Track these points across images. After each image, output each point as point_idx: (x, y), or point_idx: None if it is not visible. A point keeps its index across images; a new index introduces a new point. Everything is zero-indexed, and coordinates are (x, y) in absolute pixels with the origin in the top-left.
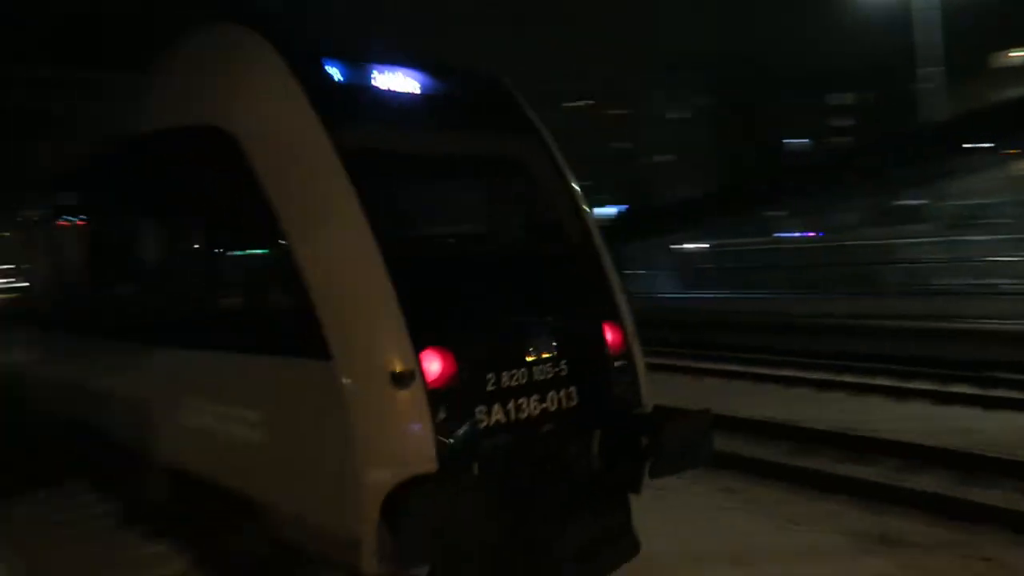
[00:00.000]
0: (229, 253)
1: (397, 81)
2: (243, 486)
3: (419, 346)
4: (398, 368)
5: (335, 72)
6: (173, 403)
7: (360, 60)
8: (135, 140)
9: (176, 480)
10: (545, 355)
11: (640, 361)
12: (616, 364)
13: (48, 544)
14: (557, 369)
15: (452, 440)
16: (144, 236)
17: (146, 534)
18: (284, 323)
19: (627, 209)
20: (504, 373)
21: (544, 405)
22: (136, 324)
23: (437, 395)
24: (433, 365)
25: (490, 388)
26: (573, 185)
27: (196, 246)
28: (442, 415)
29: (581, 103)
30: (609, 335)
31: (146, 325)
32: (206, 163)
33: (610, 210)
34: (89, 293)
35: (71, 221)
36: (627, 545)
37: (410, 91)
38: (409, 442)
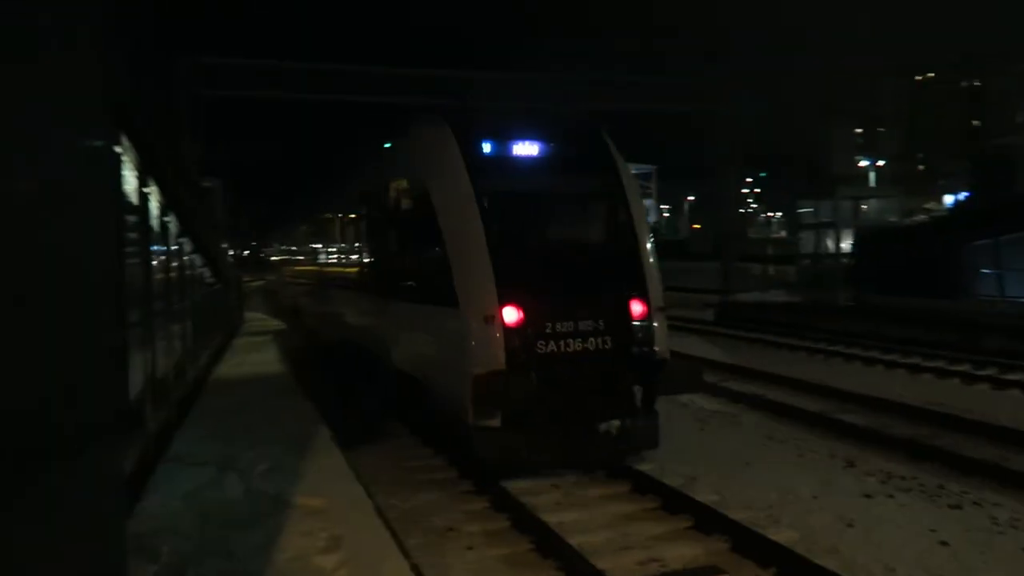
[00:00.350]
0: (424, 252)
1: (521, 147)
2: (425, 377)
3: (501, 303)
4: (487, 314)
5: (484, 146)
6: (394, 335)
7: (500, 135)
8: (383, 184)
9: (399, 376)
10: (588, 315)
11: (661, 325)
12: (640, 325)
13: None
14: (596, 325)
15: (517, 353)
16: (385, 239)
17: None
18: (442, 290)
19: (968, 198)
20: (558, 323)
21: (586, 345)
22: (380, 289)
23: (509, 331)
24: (508, 314)
25: (547, 331)
26: (632, 207)
27: (410, 246)
28: (512, 342)
29: (931, 75)
30: (637, 307)
31: (385, 290)
32: (415, 201)
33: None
34: (356, 271)
35: (348, 227)
36: (649, 439)
37: (528, 152)
38: (490, 351)
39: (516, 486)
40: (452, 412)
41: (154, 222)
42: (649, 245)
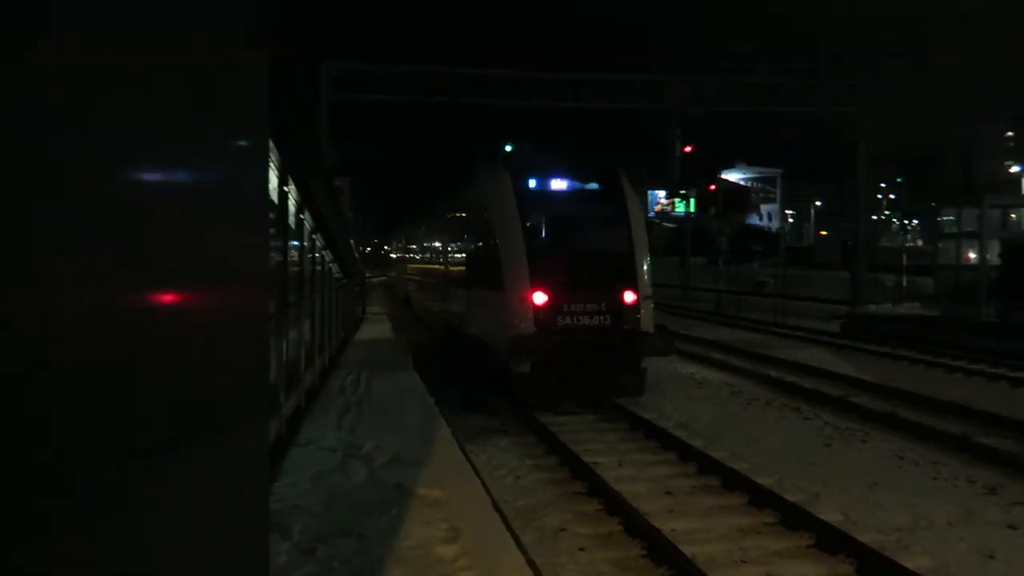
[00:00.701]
0: (486, 255)
1: (556, 182)
2: (483, 336)
3: (532, 289)
4: (521, 296)
5: (529, 181)
6: (466, 309)
7: (542, 175)
8: (462, 208)
9: (467, 340)
10: (594, 301)
11: (647, 309)
12: (631, 308)
13: None
14: (600, 307)
15: (542, 323)
16: (463, 246)
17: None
18: (495, 279)
19: None
20: (574, 304)
21: (592, 321)
22: (460, 280)
23: (537, 308)
24: (537, 297)
25: (564, 310)
26: (633, 227)
27: (475, 251)
28: (540, 315)
29: None
30: (629, 296)
31: (463, 281)
32: (481, 222)
33: None
34: (445, 268)
35: (439, 237)
36: (636, 389)
37: (561, 186)
38: (524, 320)
39: (627, 489)
40: (502, 362)
41: (291, 219)
42: (645, 254)
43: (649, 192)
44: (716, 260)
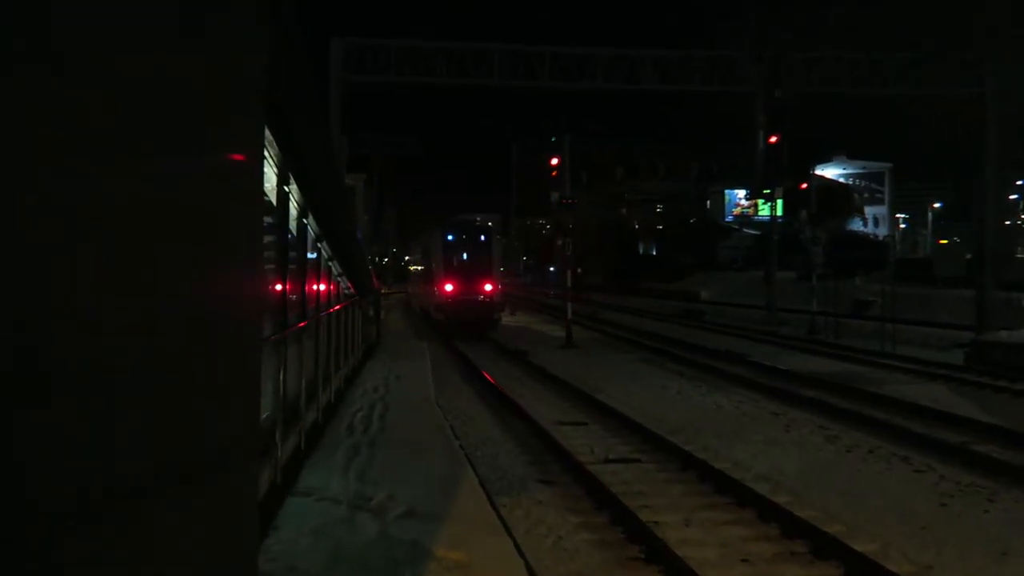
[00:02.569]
0: (430, 269)
1: (460, 236)
2: (429, 306)
3: (446, 283)
4: (441, 286)
5: (449, 235)
6: (425, 294)
7: (455, 231)
8: (422, 246)
9: (426, 309)
10: (474, 289)
11: (501, 293)
12: (489, 293)
13: None
14: (475, 291)
15: (448, 297)
16: (425, 266)
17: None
18: (432, 279)
19: None
20: (463, 290)
21: (472, 298)
22: (427, 281)
23: (447, 292)
24: (448, 287)
25: (460, 293)
26: (493, 253)
27: (427, 268)
28: (448, 295)
29: None
30: (488, 287)
31: (427, 281)
32: (429, 253)
33: None
34: (422, 278)
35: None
36: (493, 328)
37: (463, 237)
38: (442, 297)
39: (694, 555)
40: (434, 317)
41: (292, 224)
42: (499, 267)
43: (725, 192)
44: (809, 275)
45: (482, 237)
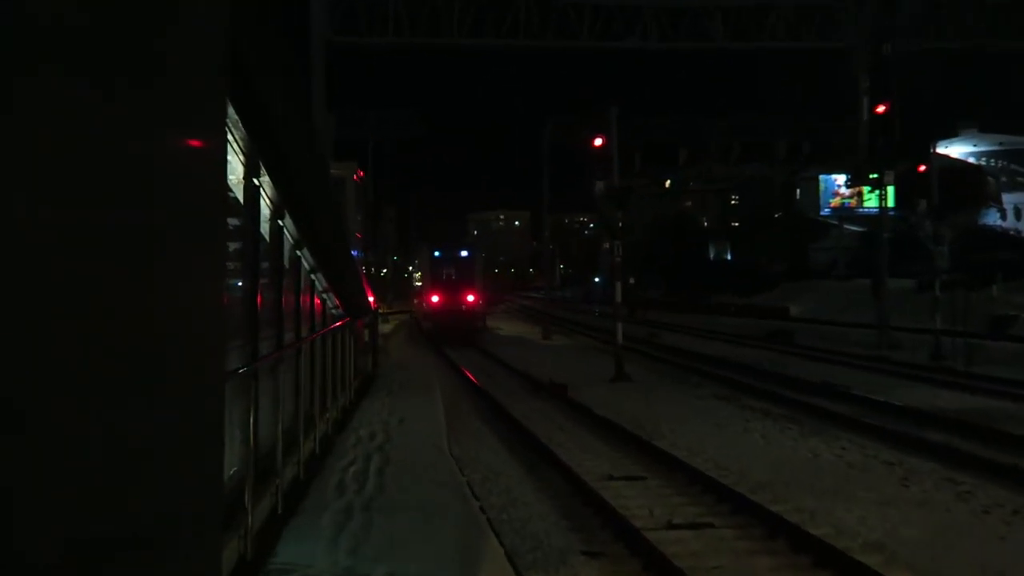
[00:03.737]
0: (421, 283)
1: (447, 253)
2: (420, 315)
3: (432, 294)
4: (429, 297)
5: (436, 253)
6: (417, 304)
7: (443, 250)
8: (419, 264)
9: (418, 317)
10: (458, 300)
11: (482, 304)
12: (473, 304)
13: None
14: (459, 302)
15: (435, 308)
16: (417, 279)
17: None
18: (422, 291)
19: None
20: (449, 301)
21: (456, 308)
22: (417, 294)
23: (435, 302)
24: (434, 298)
25: (446, 304)
26: (476, 269)
27: (419, 282)
28: (434, 306)
29: None
30: (471, 297)
31: (417, 294)
32: (421, 268)
33: None
34: (418, 291)
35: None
36: (481, 338)
37: (450, 255)
38: (429, 307)
39: None
40: (424, 325)
41: (264, 227)
42: (481, 281)
43: (820, 178)
44: (931, 283)
45: (466, 254)
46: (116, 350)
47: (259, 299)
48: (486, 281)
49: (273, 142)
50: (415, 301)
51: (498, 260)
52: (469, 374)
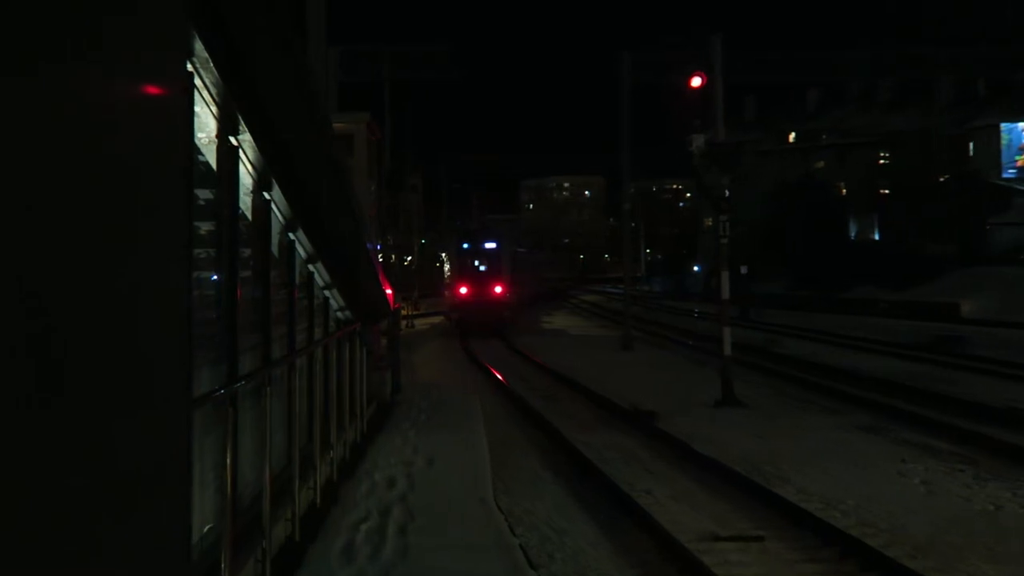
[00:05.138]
0: (449, 273)
1: (474, 242)
2: (449, 306)
3: (461, 285)
4: (457, 288)
5: (464, 244)
6: (448, 296)
7: (471, 238)
8: (450, 251)
9: (449, 309)
10: (487, 291)
11: (511, 294)
12: (501, 294)
13: None
14: (487, 293)
15: (463, 299)
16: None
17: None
18: (450, 283)
19: None
20: (477, 292)
21: (484, 298)
22: (447, 287)
23: (462, 294)
24: (463, 289)
25: (474, 295)
26: (504, 257)
27: (451, 272)
28: (462, 296)
29: None
30: (499, 288)
31: (450, 287)
32: (449, 260)
33: None
34: (450, 280)
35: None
36: (505, 328)
37: (477, 244)
38: (457, 298)
39: None
40: (452, 317)
41: (245, 202)
42: (509, 270)
43: (1002, 129)
44: None
45: (493, 245)
46: (26, 371)
47: (238, 299)
48: (518, 272)
49: (254, 87)
50: (445, 294)
51: (560, 243)
52: (522, 396)
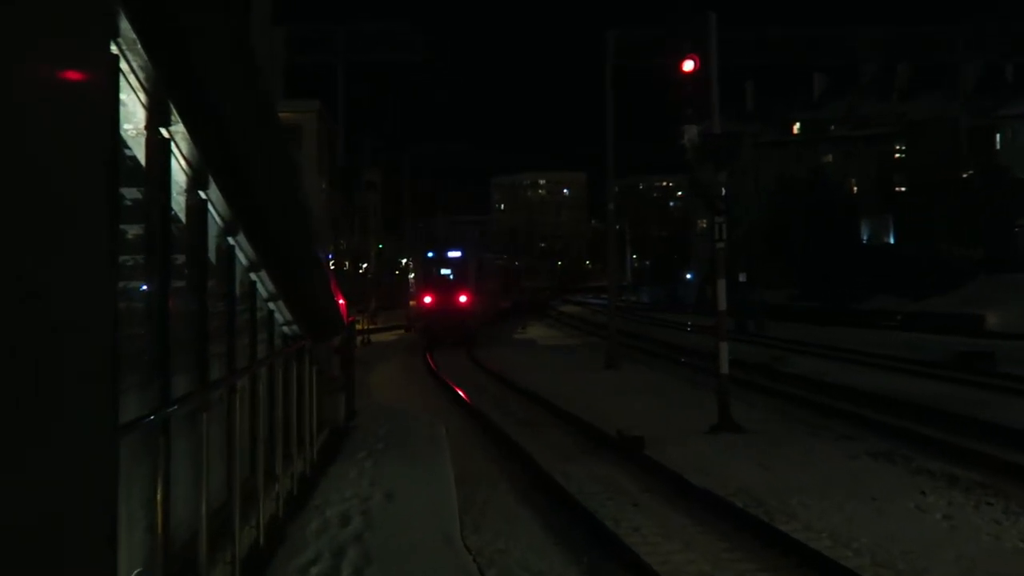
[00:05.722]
0: (414, 283)
1: (439, 252)
2: (413, 313)
3: (424, 295)
4: (420, 297)
5: (429, 253)
6: (412, 305)
7: (435, 250)
8: (414, 263)
9: (412, 316)
10: (449, 299)
11: (475, 302)
12: (464, 303)
13: None
14: (450, 302)
15: (427, 308)
16: (411, 279)
17: None
18: (415, 292)
19: None
20: (440, 301)
21: (448, 308)
22: (411, 295)
23: (427, 303)
24: (426, 299)
25: (437, 304)
26: (471, 266)
27: (414, 283)
28: (426, 306)
29: None
30: (463, 298)
31: (410, 295)
32: (414, 269)
33: None
34: (414, 289)
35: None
36: (470, 339)
37: (442, 254)
38: (420, 308)
39: None
40: (416, 325)
41: (178, 202)
42: (475, 280)
43: None
44: None
45: (459, 254)
46: None
47: (171, 312)
48: (487, 281)
49: (189, 69)
50: (410, 304)
51: (536, 247)
52: (493, 421)
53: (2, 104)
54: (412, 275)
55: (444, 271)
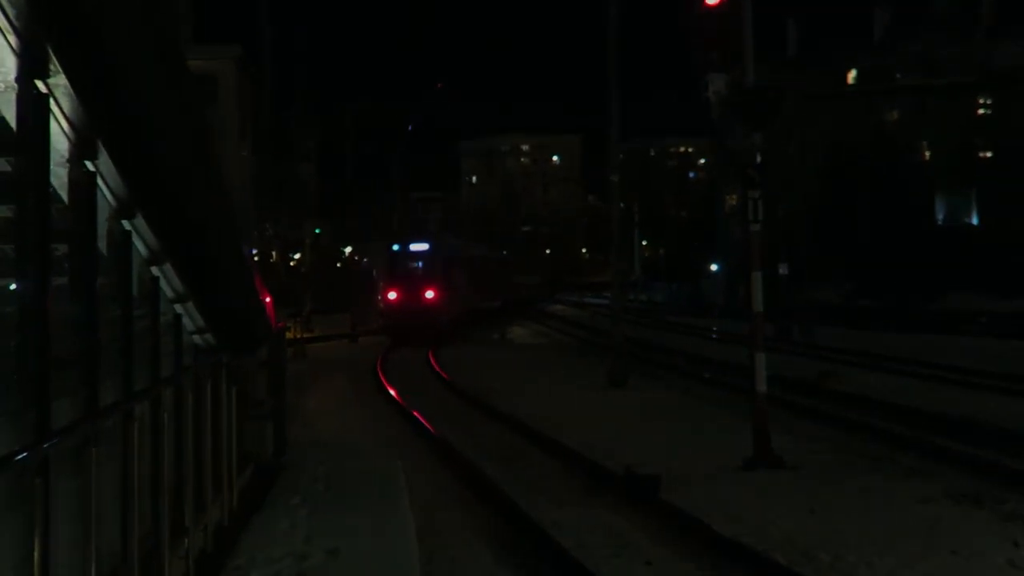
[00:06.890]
0: (380, 277)
1: (405, 246)
2: (379, 309)
3: (390, 290)
4: (386, 293)
5: (395, 246)
6: (379, 299)
7: (401, 243)
8: (380, 258)
9: (378, 311)
10: (416, 295)
11: (443, 298)
12: (432, 298)
13: None
14: (418, 298)
15: (392, 304)
16: (381, 276)
17: None
18: (381, 287)
19: None
20: (406, 297)
21: (414, 304)
22: (377, 290)
23: (392, 299)
24: (391, 295)
25: (402, 299)
26: (442, 259)
27: (379, 279)
28: (391, 302)
29: None
30: (430, 294)
31: (377, 289)
32: (381, 263)
33: None
34: (381, 285)
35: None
36: (436, 338)
37: (408, 248)
38: (386, 304)
39: None
40: (382, 323)
41: (60, 175)
42: (443, 273)
43: None
44: None
45: (426, 247)
46: None
47: (50, 318)
48: (457, 276)
49: (74, 6)
50: (377, 298)
51: (517, 232)
52: (466, 456)
53: None
54: (375, 271)
55: (411, 266)
